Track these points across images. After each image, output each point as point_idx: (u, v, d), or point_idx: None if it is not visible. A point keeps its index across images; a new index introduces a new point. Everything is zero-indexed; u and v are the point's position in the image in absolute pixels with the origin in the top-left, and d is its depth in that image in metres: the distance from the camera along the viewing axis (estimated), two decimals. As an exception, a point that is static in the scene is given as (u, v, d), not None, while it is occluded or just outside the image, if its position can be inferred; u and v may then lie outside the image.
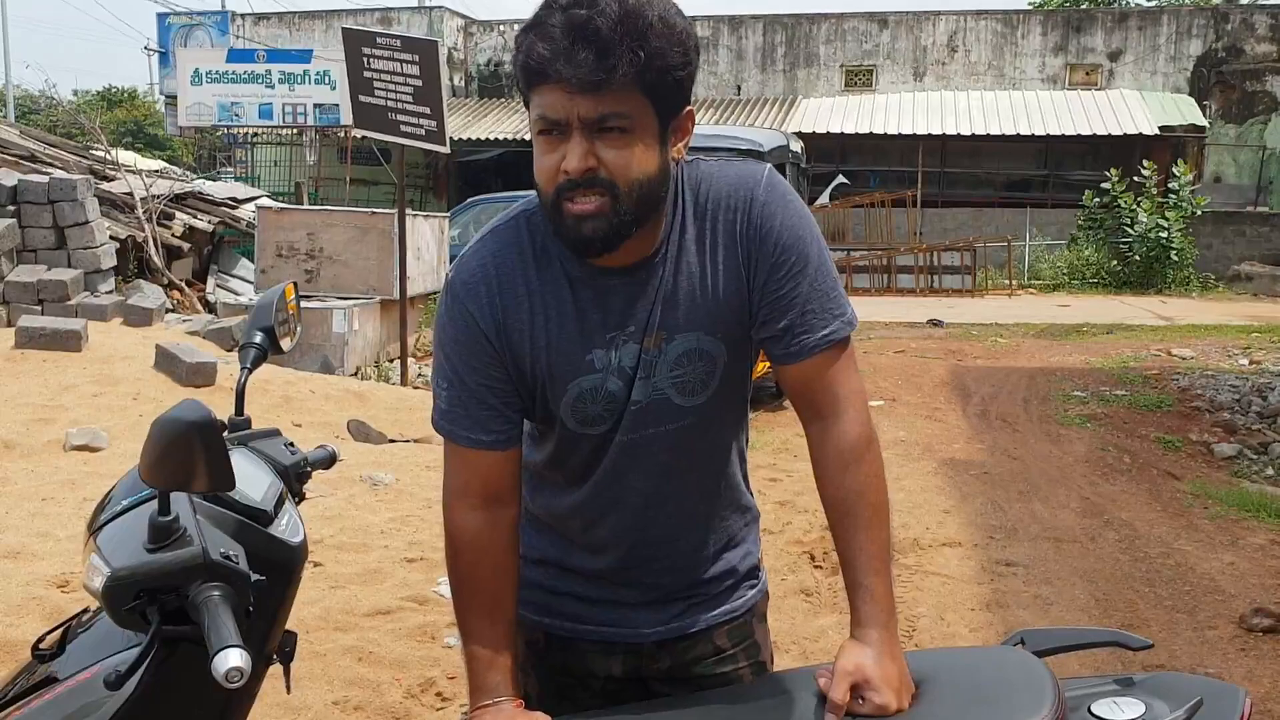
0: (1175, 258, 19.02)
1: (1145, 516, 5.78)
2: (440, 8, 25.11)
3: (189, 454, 1.30)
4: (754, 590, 1.83)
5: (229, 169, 23.03)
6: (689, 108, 1.53)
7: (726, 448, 1.75)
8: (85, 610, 1.67)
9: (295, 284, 2.01)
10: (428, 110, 8.20)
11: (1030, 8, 28.75)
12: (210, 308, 10.40)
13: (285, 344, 1.89)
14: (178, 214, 11.14)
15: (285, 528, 1.59)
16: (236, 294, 10.83)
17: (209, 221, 11.55)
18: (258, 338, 1.83)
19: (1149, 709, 1.49)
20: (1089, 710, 1.51)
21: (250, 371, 1.81)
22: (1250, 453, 7.18)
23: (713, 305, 1.59)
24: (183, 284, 10.65)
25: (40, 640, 1.59)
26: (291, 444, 1.84)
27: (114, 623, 1.43)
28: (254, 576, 1.43)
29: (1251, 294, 18.91)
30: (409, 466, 6.00)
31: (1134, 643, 1.69)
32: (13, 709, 1.50)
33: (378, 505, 5.32)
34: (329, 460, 1.93)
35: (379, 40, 8.30)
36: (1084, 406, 8.60)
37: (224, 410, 1.75)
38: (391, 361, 9.96)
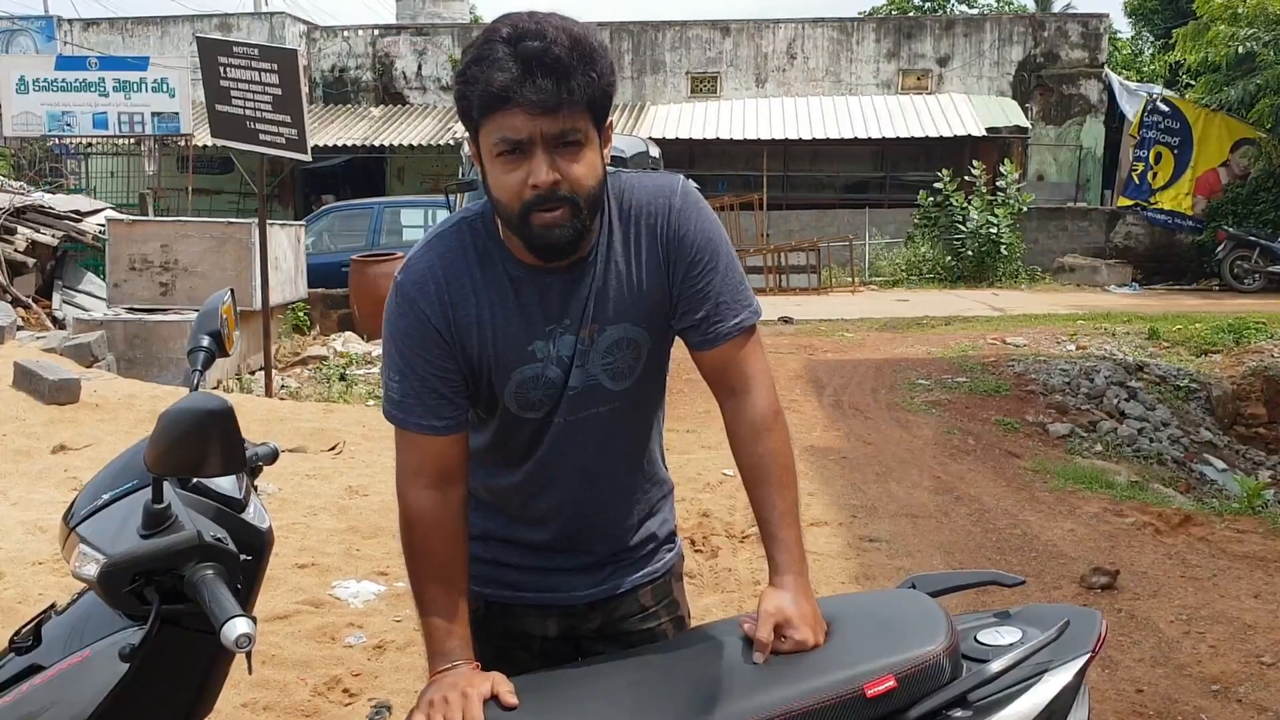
0: (1005, 252, 19.91)
1: (991, 492, 6.19)
2: (281, 14, 24.57)
3: (205, 440, 1.43)
4: (671, 553, 2.06)
5: (59, 180, 22.01)
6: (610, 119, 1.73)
7: (649, 426, 1.96)
8: (53, 605, 1.77)
9: (233, 290, 2.12)
10: (288, 119, 8.14)
11: (863, 16, 29.80)
12: (59, 324, 10.05)
13: (229, 346, 2.01)
14: (19, 228, 10.72)
15: (254, 515, 1.73)
16: (86, 310, 10.47)
17: (53, 236, 11.13)
18: (205, 341, 1.93)
19: (1025, 634, 1.73)
20: (975, 639, 1.75)
21: (202, 373, 1.92)
22: (1081, 431, 7.74)
23: (638, 299, 1.79)
24: (29, 300, 10.26)
25: (16, 634, 1.69)
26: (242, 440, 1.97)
27: (109, 606, 1.54)
28: (242, 556, 1.57)
29: (1075, 284, 19.98)
30: (289, 476, 6.00)
31: (1009, 580, 1.95)
32: (3, 696, 1.59)
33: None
34: (273, 456, 2.06)
35: (235, 49, 8.18)
36: (929, 394, 8.96)
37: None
38: (253, 373, 9.81)
